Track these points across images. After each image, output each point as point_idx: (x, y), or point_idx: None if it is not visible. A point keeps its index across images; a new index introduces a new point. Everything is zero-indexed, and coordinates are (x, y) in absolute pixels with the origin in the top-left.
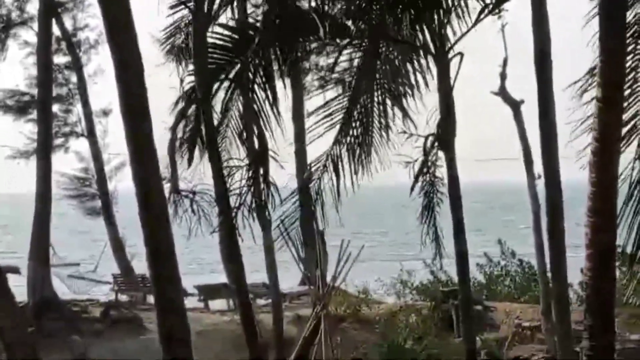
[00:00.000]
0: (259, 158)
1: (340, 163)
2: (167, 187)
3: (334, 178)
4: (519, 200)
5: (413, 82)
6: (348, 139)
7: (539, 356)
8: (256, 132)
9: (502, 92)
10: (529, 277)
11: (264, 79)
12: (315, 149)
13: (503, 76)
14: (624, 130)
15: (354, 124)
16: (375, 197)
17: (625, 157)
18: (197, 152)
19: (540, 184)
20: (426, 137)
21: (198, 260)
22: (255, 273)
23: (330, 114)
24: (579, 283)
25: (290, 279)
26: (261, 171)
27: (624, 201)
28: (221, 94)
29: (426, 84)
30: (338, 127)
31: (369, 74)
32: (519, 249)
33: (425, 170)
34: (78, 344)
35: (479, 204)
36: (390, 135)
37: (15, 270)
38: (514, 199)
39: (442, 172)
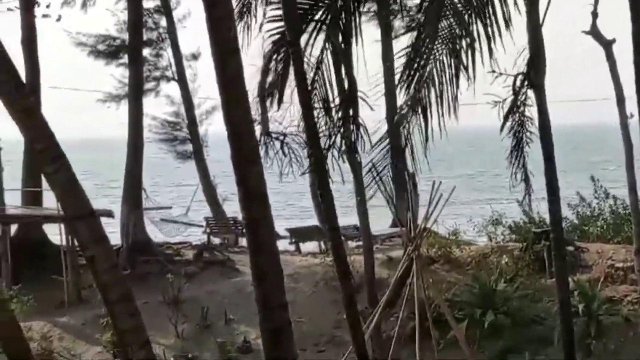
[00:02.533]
0: (348, 99)
1: (428, 106)
2: (257, 129)
3: (422, 121)
4: (610, 141)
5: (501, 20)
6: (436, 80)
7: (631, 297)
8: (345, 73)
9: (594, 31)
10: (622, 218)
11: (351, 21)
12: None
13: (594, 15)
14: None
15: (440, 66)
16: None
17: None
18: (287, 94)
19: (633, 123)
20: (515, 76)
21: (290, 206)
22: (346, 216)
23: (418, 56)
24: None
25: (381, 221)
26: (351, 112)
27: None
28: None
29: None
30: (427, 69)
31: (457, 13)
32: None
33: (514, 109)
34: (171, 286)
35: (569, 145)
36: (477, 75)
37: (109, 214)
38: (604, 140)
39: (531, 112)
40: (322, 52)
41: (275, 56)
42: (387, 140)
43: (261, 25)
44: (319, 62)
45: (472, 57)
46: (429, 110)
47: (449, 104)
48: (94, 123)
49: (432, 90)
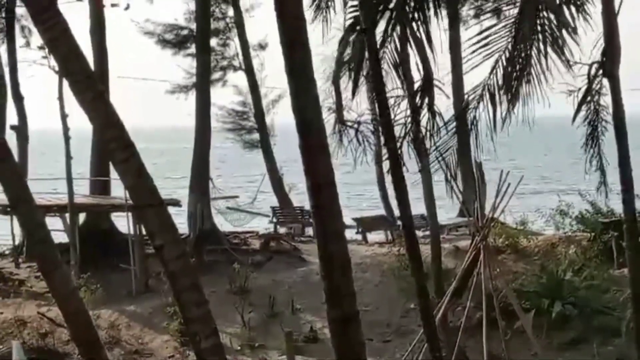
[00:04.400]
0: (423, 87)
1: (497, 93)
2: (332, 117)
3: (490, 108)
4: None
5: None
6: (506, 67)
7: None
8: (419, 62)
9: None
10: None
11: (423, 10)
12: (472, 79)
13: None
14: None
15: (511, 53)
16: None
17: None
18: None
19: None
20: (590, 65)
21: (358, 196)
22: (413, 204)
23: (487, 44)
24: None
25: (448, 210)
26: (426, 100)
27: None
28: (381, 26)
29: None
30: (495, 56)
31: (529, 2)
32: None
33: (588, 98)
34: (238, 275)
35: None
36: (550, 64)
37: (176, 203)
38: None
39: (606, 101)
40: (390, 40)
41: (350, 45)
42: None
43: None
44: (390, 50)
45: (544, 47)
46: (497, 97)
47: (518, 92)
48: (163, 112)
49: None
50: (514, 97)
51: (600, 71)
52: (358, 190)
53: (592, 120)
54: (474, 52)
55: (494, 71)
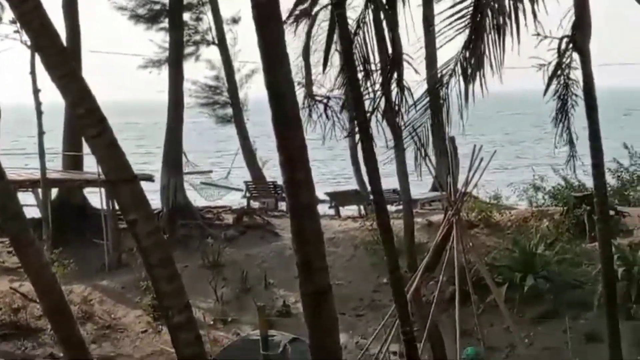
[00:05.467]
0: (393, 62)
1: (469, 67)
2: (301, 92)
3: (462, 83)
4: None
5: None
6: (478, 42)
7: None
8: (389, 37)
9: None
10: None
11: None
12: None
13: None
14: None
15: (483, 28)
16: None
17: None
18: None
19: None
20: (561, 39)
21: (330, 170)
22: (386, 179)
23: (461, 17)
24: None
25: (421, 185)
26: (395, 75)
27: None
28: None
29: None
30: (468, 30)
31: None
32: None
33: (559, 72)
34: (211, 250)
35: (612, 108)
36: (521, 38)
37: (149, 178)
38: None
39: (576, 75)
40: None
41: (320, 18)
42: (427, 102)
43: None
44: (363, 24)
45: (515, 19)
46: (469, 72)
47: (492, 66)
48: (136, 87)
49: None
50: (482, 72)
51: (571, 45)
52: (333, 163)
53: (562, 95)
54: (446, 25)
55: (465, 46)
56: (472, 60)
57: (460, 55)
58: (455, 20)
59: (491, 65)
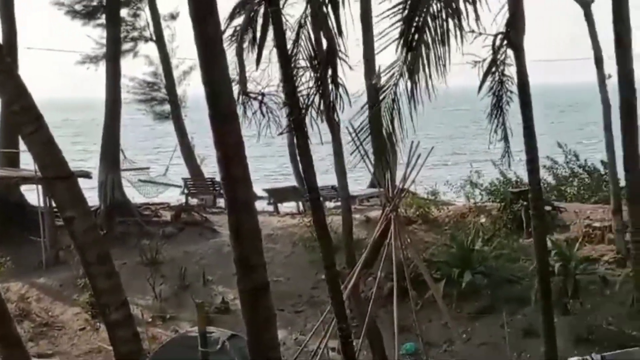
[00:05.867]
0: (327, 59)
1: (414, 68)
2: (235, 89)
3: (409, 84)
4: (589, 100)
5: None
6: (422, 43)
7: (608, 256)
8: (324, 33)
9: None
10: (598, 178)
11: None
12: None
13: None
14: None
15: (426, 29)
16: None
17: None
18: (266, 54)
19: (612, 84)
20: (495, 36)
21: (269, 167)
22: (324, 175)
23: (402, 19)
24: None
25: (359, 181)
26: (330, 72)
27: None
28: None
29: None
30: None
31: None
32: (587, 148)
33: (493, 69)
34: (149, 247)
35: (548, 105)
36: (458, 36)
37: (86, 175)
38: (583, 99)
39: (510, 71)
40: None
41: (254, 15)
42: (366, 100)
43: None
44: (299, 21)
45: (458, 18)
46: (415, 72)
47: (438, 66)
48: (75, 84)
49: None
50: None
51: (505, 42)
52: (272, 160)
53: (497, 91)
54: (390, 26)
55: (409, 47)
56: (414, 59)
57: (402, 56)
58: (397, 21)
59: (436, 64)
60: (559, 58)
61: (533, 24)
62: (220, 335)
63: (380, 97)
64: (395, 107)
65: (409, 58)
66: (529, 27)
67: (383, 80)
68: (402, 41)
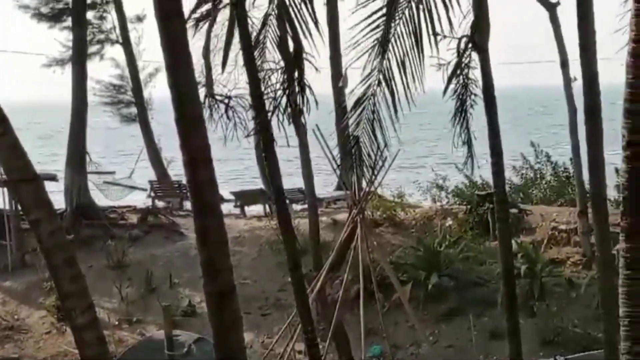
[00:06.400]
0: (293, 61)
1: (390, 75)
2: (202, 91)
3: (387, 91)
4: (555, 103)
5: None
6: (396, 51)
7: (574, 258)
8: (291, 35)
9: None
10: (565, 180)
11: None
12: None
13: None
14: None
15: (401, 36)
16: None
17: None
18: (232, 56)
19: (577, 87)
20: (460, 39)
21: (236, 169)
22: (291, 178)
23: (377, 27)
24: (615, 185)
25: (326, 184)
26: (296, 74)
27: None
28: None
29: None
30: (384, 39)
31: None
32: (555, 152)
33: (458, 72)
34: (115, 250)
35: (513, 108)
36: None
37: (52, 178)
38: (549, 103)
39: (475, 74)
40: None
41: (220, 18)
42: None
43: None
44: (265, 23)
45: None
46: (391, 80)
47: (412, 72)
48: (41, 86)
49: (390, 56)
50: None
51: (470, 45)
52: (239, 163)
53: (461, 94)
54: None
55: (381, 54)
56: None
57: (381, 64)
58: (371, 30)
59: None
60: (532, 61)
61: (506, 27)
62: (187, 339)
63: (351, 104)
64: (375, 117)
65: (383, 65)
66: (504, 31)
67: (361, 90)
68: (377, 49)
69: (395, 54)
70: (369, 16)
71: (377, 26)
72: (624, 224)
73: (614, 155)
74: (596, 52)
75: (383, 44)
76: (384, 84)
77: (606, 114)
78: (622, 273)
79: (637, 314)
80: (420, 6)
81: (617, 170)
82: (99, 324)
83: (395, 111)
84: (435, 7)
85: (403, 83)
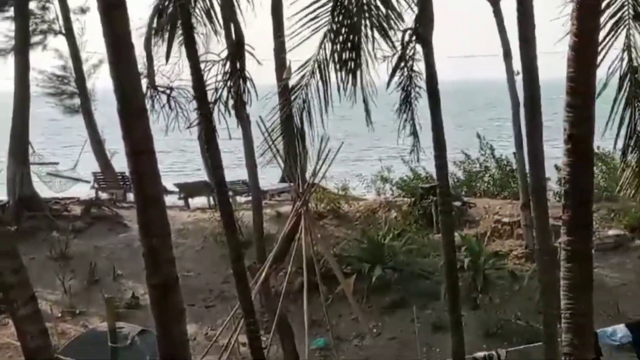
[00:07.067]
0: (235, 52)
1: (326, 67)
2: (144, 82)
3: (321, 83)
4: (500, 97)
5: None
6: (335, 43)
7: (517, 251)
8: (233, 26)
9: None
10: (508, 174)
11: None
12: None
13: None
14: (611, 22)
15: (340, 28)
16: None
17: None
18: (175, 47)
19: (520, 81)
20: (404, 31)
21: (180, 161)
22: (235, 170)
23: (316, 17)
24: (557, 180)
25: (270, 176)
26: (237, 66)
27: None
28: None
29: None
30: (323, 30)
31: None
32: (498, 144)
33: (402, 64)
34: (58, 241)
35: (458, 100)
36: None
37: None
38: (494, 96)
39: (419, 67)
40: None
41: (162, 8)
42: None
43: None
44: (207, 14)
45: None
46: (326, 71)
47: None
48: None
49: (328, 48)
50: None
51: (414, 37)
52: (182, 156)
53: (406, 86)
54: (302, 25)
55: (322, 45)
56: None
57: (317, 55)
58: (310, 20)
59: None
60: (470, 54)
61: (443, 20)
62: (130, 331)
63: (292, 96)
64: (305, 107)
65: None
66: (449, 24)
67: (295, 79)
68: (324, 41)
69: (333, 44)
70: (308, 6)
71: (316, 16)
72: (565, 217)
73: (558, 149)
74: (535, 45)
75: (327, 35)
76: (317, 74)
77: (549, 108)
78: (564, 266)
79: (578, 307)
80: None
81: (556, 167)
82: (42, 316)
83: (327, 103)
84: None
85: (337, 74)
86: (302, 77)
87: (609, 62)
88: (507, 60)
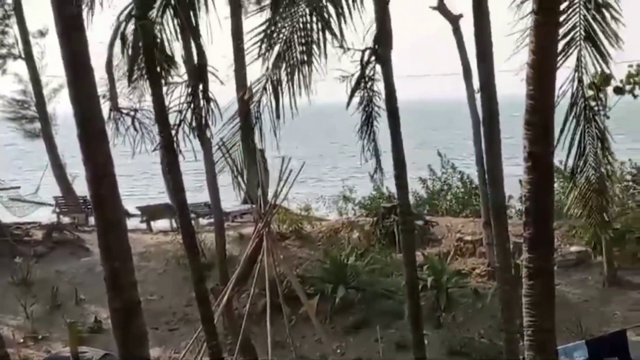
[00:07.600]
0: (197, 74)
1: (279, 85)
2: (106, 105)
3: (273, 100)
4: (459, 115)
5: None
6: (287, 61)
7: (480, 269)
8: (195, 49)
9: (441, 7)
10: (470, 191)
11: None
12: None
13: None
14: (562, 43)
15: (293, 46)
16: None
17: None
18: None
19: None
20: (363, 51)
21: (142, 184)
22: (197, 192)
23: (270, 35)
24: (520, 197)
25: (232, 198)
26: (200, 87)
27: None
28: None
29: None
30: (277, 48)
31: None
32: (461, 163)
33: (362, 84)
34: (20, 266)
35: (418, 119)
36: (327, 51)
37: None
38: (454, 114)
39: (379, 87)
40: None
41: (123, 31)
42: (237, 116)
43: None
44: (167, 36)
45: (323, 34)
46: (280, 88)
47: (301, 82)
48: None
49: (283, 67)
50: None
51: (373, 57)
52: (145, 177)
53: (366, 106)
54: (255, 43)
55: (275, 65)
56: (282, 76)
57: (270, 72)
58: (264, 37)
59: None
60: (429, 72)
61: (402, 39)
62: (93, 355)
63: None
64: (257, 124)
65: (275, 73)
66: (397, 42)
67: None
68: (267, 55)
69: (286, 62)
70: (260, 25)
71: (268, 34)
72: (526, 234)
73: (518, 167)
74: (493, 61)
75: (280, 53)
76: (270, 90)
77: (511, 125)
78: (526, 283)
79: (541, 323)
80: (314, 17)
81: (521, 183)
82: (3, 341)
83: (278, 116)
84: (330, 17)
85: (290, 92)
86: (255, 93)
87: (560, 83)
88: (467, 78)
